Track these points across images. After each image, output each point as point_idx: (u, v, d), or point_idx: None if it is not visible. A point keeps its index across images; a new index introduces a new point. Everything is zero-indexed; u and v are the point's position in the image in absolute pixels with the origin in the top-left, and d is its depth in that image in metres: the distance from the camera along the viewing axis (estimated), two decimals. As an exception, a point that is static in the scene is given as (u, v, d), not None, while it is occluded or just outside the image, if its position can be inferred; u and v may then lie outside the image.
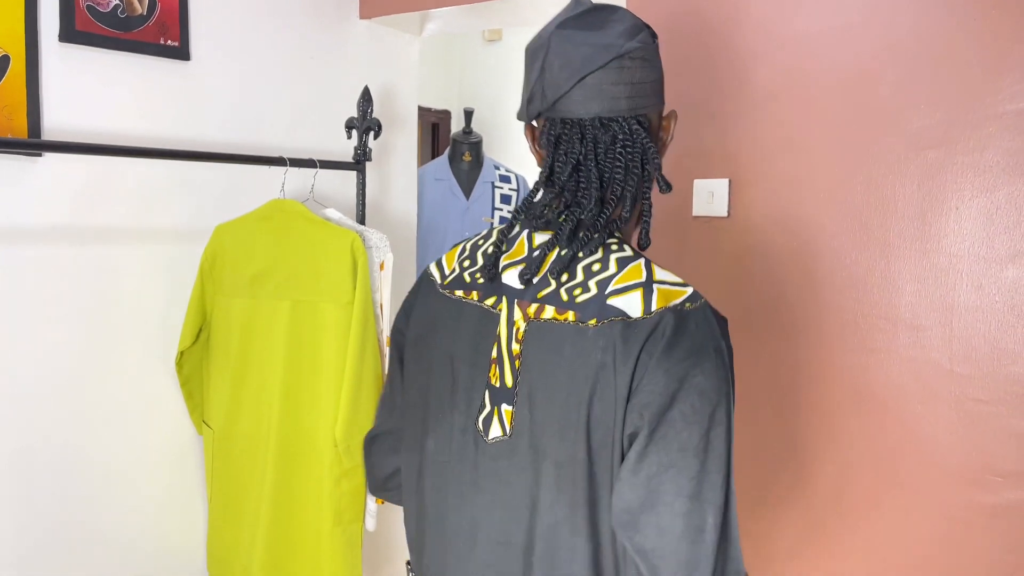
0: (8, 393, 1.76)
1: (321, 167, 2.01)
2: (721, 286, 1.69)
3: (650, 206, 0.96)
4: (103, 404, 1.87)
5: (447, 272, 1.02)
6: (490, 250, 0.97)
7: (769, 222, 1.62)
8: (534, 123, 0.99)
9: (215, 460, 1.94)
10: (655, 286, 0.87)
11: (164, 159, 1.83)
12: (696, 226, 1.72)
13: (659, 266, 0.91)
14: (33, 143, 1.67)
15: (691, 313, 0.85)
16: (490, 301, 0.95)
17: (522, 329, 0.91)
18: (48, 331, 1.80)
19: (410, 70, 2.54)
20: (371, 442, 1.19)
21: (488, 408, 0.93)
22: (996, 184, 1.38)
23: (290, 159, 1.94)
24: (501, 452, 0.92)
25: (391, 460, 1.15)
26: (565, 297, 0.89)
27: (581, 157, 0.92)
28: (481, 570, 0.94)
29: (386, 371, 1.40)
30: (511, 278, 0.94)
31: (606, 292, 0.87)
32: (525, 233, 0.97)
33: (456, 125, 4.45)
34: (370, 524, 1.84)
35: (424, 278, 1.07)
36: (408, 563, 1.24)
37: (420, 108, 2.65)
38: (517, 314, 0.92)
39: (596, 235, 0.91)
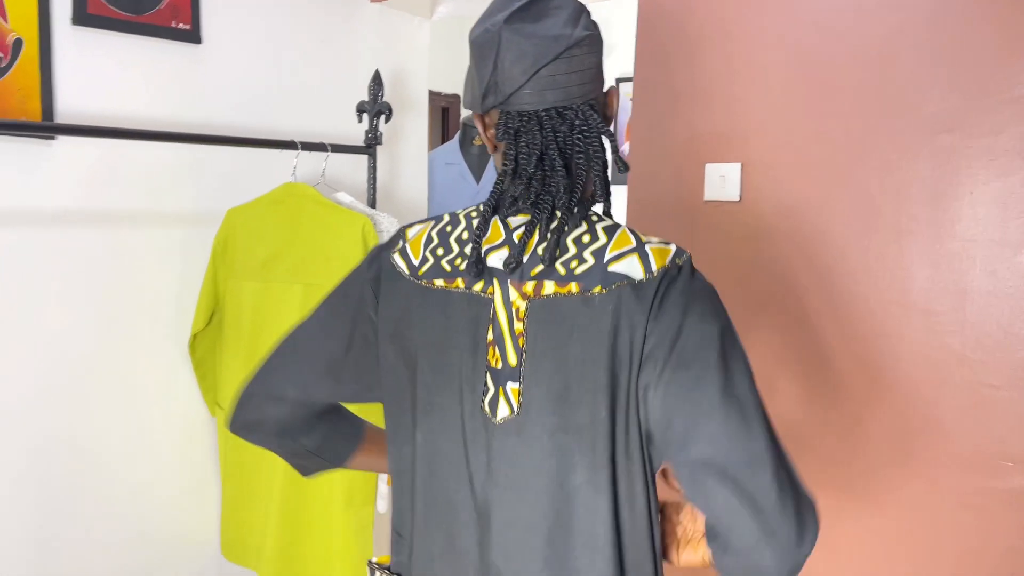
0: (22, 376, 1.77)
1: (332, 151, 2.01)
2: (732, 271, 1.68)
3: (609, 184, 1.00)
4: (117, 387, 1.89)
5: (415, 262, 1.01)
6: (464, 236, 0.99)
7: (781, 206, 1.62)
8: (485, 114, 1.01)
9: (228, 442, 1.95)
10: (647, 247, 0.92)
11: (176, 142, 1.83)
12: (707, 210, 1.72)
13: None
14: (46, 126, 1.68)
15: (683, 266, 0.93)
16: (478, 287, 0.96)
17: (522, 308, 0.93)
18: (62, 314, 1.81)
19: (421, 54, 2.54)
20: (251, 399, 1.11)
21: (492, 390, 0.95)
22: (1011, 169, 1.37)
23: (301, 143, 1.94)
24: (510, 430, 0.94)
25: (268, 410, 1.10)
26: (563, 271, 0.92)
27: (543, 148, 0.94)
28: (501, 549, 0.96)
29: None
30: (495, 261, 0.96)
31: (605, 260, 0.91)
32: (497, 217, 0.99)
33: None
34: (381, 506, 1.85)
35: (385, 269, 1.04)
36: (371, 562, 1.19)
37: (430, 92, 2.64)
38: (513, 294, 0.94)
39: (575, 211, 0.95)
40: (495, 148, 1.01)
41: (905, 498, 1.50)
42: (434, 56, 2.62)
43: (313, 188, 1.87)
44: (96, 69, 1.80)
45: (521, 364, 0.93)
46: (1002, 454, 1.39)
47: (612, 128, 1.01)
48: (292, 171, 1.95)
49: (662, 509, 1.03)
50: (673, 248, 0.93)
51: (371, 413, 1.23)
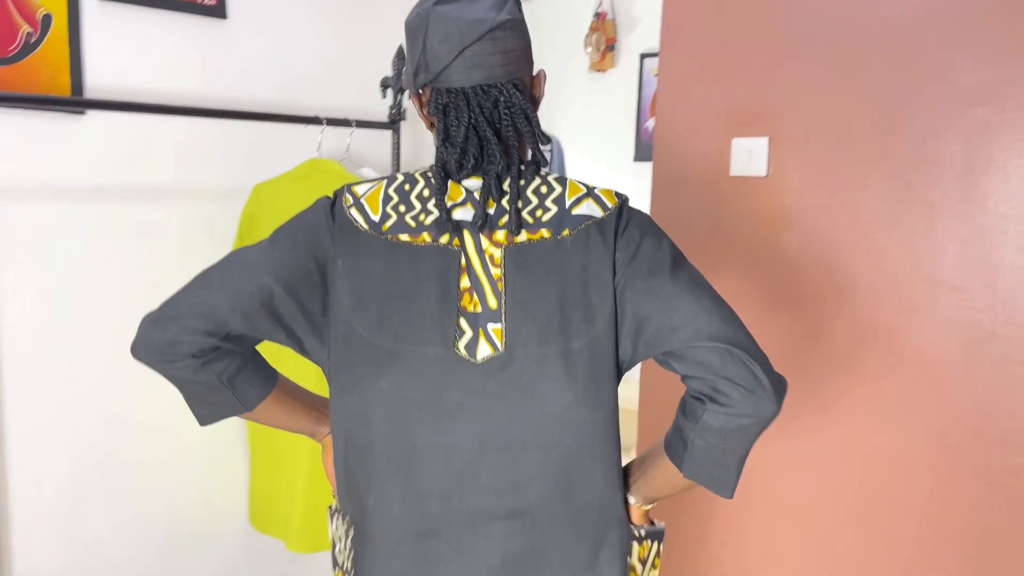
0: (54, 349, 1.81)
1: (357, 127, 2.01)
2: (759, 247, 1.67)
3: (542, 151, 1.09)
4: (147, 359, 1.92)
5: (374, 218, 1.04)
6: (425, 193, 1.05)
7: (809, 181, 1.60)
8: (420, 92, 1.09)
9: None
10: (596, 191, 1.06)
11: (202, 117, 1.84)
12: (733, 186, 1.70)
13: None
14: (76, 101, 1.70)
15: (627, 202, 1.08)
16: (444, 239, 1.03)
17: (497, 255, 1.03)
18: (91, 288, 1.84)
19: (445, 29, 2.52)
20: (174, 320, 1.02)
21: (470, 333, 1.02)
22: (1046, 142, 1.35)
23: (326, 118, 1.95)
24: (493, 368, 1.02)
25: (191, 327, 1.02)
26: (531, 220, 1.03)
27: (471, 120, 1.03)
28: (490, 479, 1.02)
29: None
30: (460, 215, 1.04)
31: (567, 206, 1.04)
32: (452, 180, 1.06)
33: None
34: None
35: (341, 222, 1.05)
36: (332, 508, 1.21)
37: (454, 67, 2.63)
38: (485, 243, 1.03)
39: (525, 169, 1.05)
40: (431, 125, 1.09)
41: (931, 475, 1.49)
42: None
43: (338, 164, 1.88)
44: (124, 44, 1.82)
45: (501, 306, 1.01)
46: (1031, 431, 1.38)
47: (535, 106, 1.11)
48: (317, 147, 1.96)
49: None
50: (613, 189, 1.08)
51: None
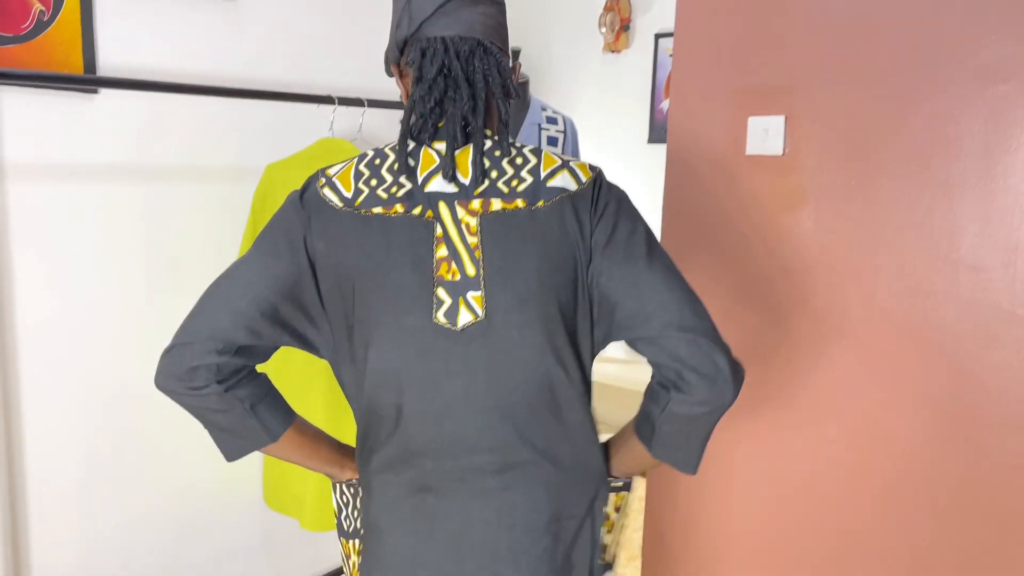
0: (68, 329, 1.82)
1: (369, 106, 2.00)
2: (774, 226, 1.66)
3: (509, 112, 1.12)
4: (160, 337, 1.92)
5: (347, 194, 1.06)
6: (396, 166, 1.07)
7: (826, 160, 1.58)
8: (399, 64, 1.13)
9: (268, 394, 1.99)
10: (571, 163, 1.08)
11: (214, 96, 1.84)
12: (749, 164, 1.68)
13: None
14: (89, 79, 1.70)
15: (601, 175, 1.10)
16: (417, 210, 1.05)
17: (473, 224, 1.04)
18: (104, 267, 1.85)
19: (457, 8, 2.51)
20: (187, 347, 1.05)
21: (449, 301, 1.04)
22: (1070, 119, 1.32)
23: (338, 98, 1.94)
24: (475, 334, 1.04)
25: (206, 352, 1.04)
26: (506, 189, 1.05)
27: (445, 60, 1.06)
28: (479, 439, 1.07)
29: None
30: (434, 186, 1.06)
31: (542, 178, 1.06)
32: (423, 149, 1.08)
33: (502, 67, 4.37)
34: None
35: (315, 205, 1.06)
36: (340, 483, 1.26)
37: (467, 47, 2.61)
38: (460, 213, 1.05)
39: (494, 136, 1.08)
40: (408, 94, 1.11)
41: (949, 460, 1.48)
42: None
43: (350, 143, 1.87)
44: (136, 23, 1.81)
45: (479, 273, 1.04)
46: (1050, 413, 1.36)
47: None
48: (329, 126, 1.95)
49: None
50: (588, 162, 1.11)
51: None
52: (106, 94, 1.78)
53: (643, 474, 1.27)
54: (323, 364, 1.77)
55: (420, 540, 1.10)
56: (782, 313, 1.66)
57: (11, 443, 1.75)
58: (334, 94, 1.97)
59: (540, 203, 1.05)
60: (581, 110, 3.97)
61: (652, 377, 1.09)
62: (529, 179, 1.06)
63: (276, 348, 1.11)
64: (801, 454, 1.66)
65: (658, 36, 3.73)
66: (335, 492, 1.24)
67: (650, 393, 1.10)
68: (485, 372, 1.05)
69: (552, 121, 3.03)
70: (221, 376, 1.04)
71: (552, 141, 2.98)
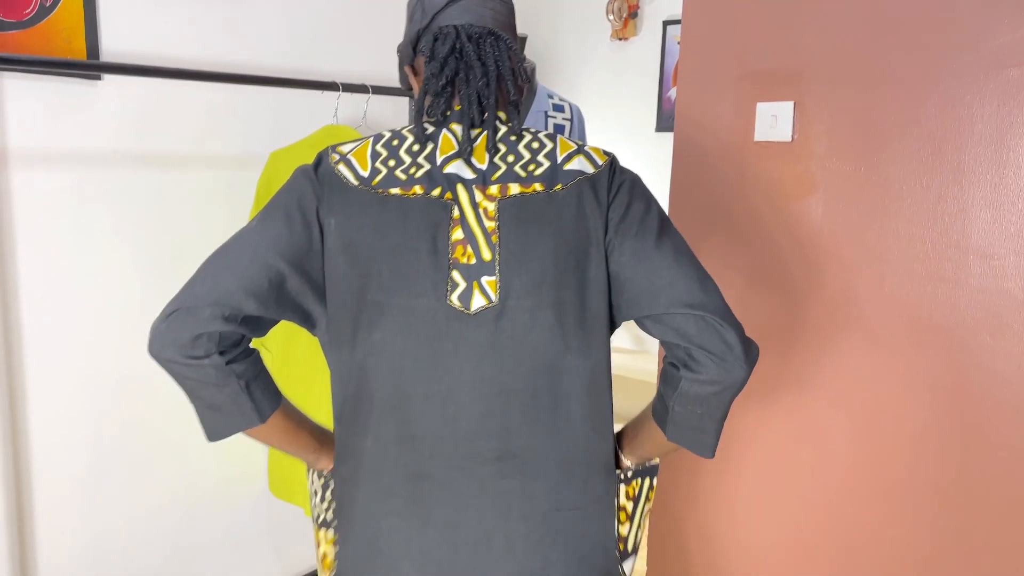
0: (73, 318, 1.81)
1: (374, 93, 1.99)
2: (783, 213, 1.64)
3: (522, 93, 1.13)
4: (165, 326, 1.92)
5: (363, 173, 1.05)
6: (415, 148, 1.07)
7: (835, 147, 1.56)
8: (413, 63, 1.14)
9: (276, 382, 1.98)
10: (586, 148, 1.09)
11: (218, 82, 1.83)
12: (757, 151, 1.67)
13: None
14: (92, 65, 1.69)
15: (615, 159, 1.11)
16: (436, 192, 1.04)
17: (491, 208, 1.04)
18: (109, 254, 1.84)
19: (463, -6, 2.49)
20: (191, 312, 0.99)
21: (463, 285, 1.04)
22: (1085, 104, 1.30)
23: (343, 84, 1.93)
24: (487, 318, 1.04)
25: (208, 319, 0.99)
26: (523, 174, 1.06)
27: (457, 43, 1.07)
28: (481, 425, 1.06)
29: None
30: (455, 168, 1.06)
31: (559, 162, 1.07)
32: (442, 132, 1.08)
33: (509, 55, 4.35)
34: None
35: (330, 181, 1.04)
36: (313, 471, 1.22)
37: (473, 34, 2.59)
38: (478, 196, 1.05)
39: (509, 121, 1.09)
40: (422, 90, 1.11)
41: (959, 448, 1.46)
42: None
43: (355, 130, 1.86)
44: (139, 8, 1.80)
45: (495, 258, 1.04)
46: (1061, 402, 1.35)
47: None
48: (333, 113, 1.94)
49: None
50: (601, 148, 1.12)
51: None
52: (109, 80, 1.77)
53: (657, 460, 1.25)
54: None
55: (415, 526, 1.08)
56: (791, 300, 1.64)
57: (16, 434, 1.75)
58: (338, 80, 1.95)
59: (558, 187, 1.06)
60: (589, 98, 3.95)
61: (664, 359, 1.08)
62: (546, 163, 1.07)
63: (275, 323, 1.06)
64: (812, 440, 1.65)
65: (666, 23, 3.71)
66: (308, 479, 1.23)
67: (664, 375, 1.09)
68: (493, 357, 1.05)
69: (559, 109, 3.01)
70: (223, 347, 0.99)
71: (559, 129, 2.96)
